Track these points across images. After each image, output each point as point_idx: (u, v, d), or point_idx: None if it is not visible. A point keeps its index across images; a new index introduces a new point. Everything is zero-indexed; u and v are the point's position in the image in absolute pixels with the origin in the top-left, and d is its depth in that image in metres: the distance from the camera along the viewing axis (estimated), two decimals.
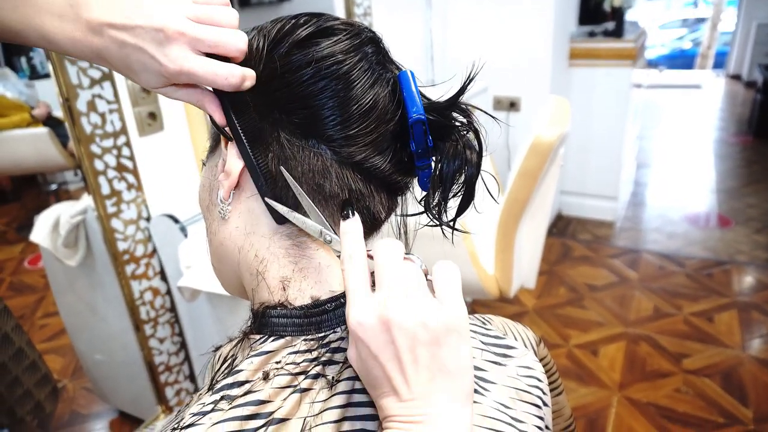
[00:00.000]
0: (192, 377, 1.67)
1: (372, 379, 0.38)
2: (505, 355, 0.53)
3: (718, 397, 1.90)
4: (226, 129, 0.43)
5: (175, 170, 1.52)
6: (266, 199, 0.43)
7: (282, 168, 0.42)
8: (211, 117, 0.43)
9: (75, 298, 1.70)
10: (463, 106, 0.45)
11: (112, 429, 1.86)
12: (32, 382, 1.50)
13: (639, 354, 2.14)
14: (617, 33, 3.00)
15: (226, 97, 0.42)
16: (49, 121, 2.61)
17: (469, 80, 0.45)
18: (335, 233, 0.43)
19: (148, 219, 1.43)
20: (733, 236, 3.07)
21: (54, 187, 3.02)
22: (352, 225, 0.41)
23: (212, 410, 0.39)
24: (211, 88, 0.43)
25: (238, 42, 0.41)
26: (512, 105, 2.84)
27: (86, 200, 1.49)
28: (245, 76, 0.40)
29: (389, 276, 0.38)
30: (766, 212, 3.35)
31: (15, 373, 1.45)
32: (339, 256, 0.45)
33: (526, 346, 0.58)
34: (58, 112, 2.64)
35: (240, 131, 0.42)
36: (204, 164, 0.51)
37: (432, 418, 0.36)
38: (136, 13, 0.39)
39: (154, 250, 1.47)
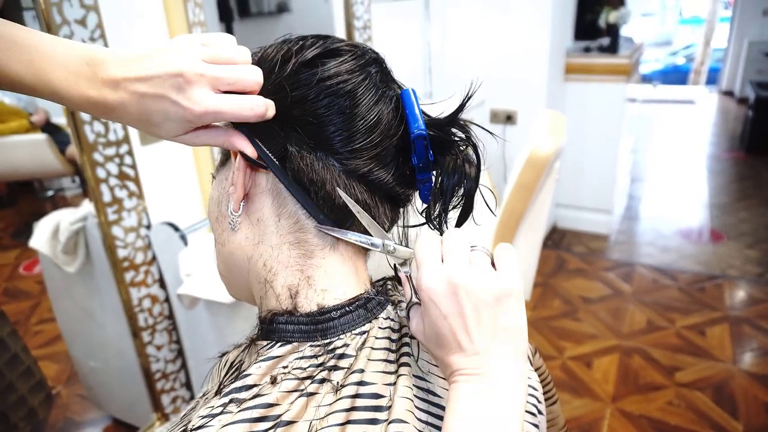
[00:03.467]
0: (188, 385, 1.67)
1: (441, 339, 0.42)
2: None
3: (710, 411, 1.91)
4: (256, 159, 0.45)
5: (176, 179, 1.53)
6: (323, 227, 0.46)
7: (339, 190, 0.45)
8: (242, 153, 0.44)
9: (72, 304, 1.70)
10: (462, 122, 0.48)
11: None
12: (26, 388, 1.50)
13: (632, 366, 2.16)
14: (612, 49, 3.05)
15: (249, 129, 0.44)
16: (48, 128, 2.62)
17: (468, 98, 0.47)
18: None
19: (148, 227, 1.44)
20: (725, 251, 3.10)
21: (51, 193, 3.02)
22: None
23: (221, 413, 0.40)
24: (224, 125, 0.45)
25: (256, 76, 0.42)
26: (509, 118, 2.87)
27: (86, 207, 1.50)
28: (268, 105, 0.42)
29: (457, 251, 0.42)
30: (758, 227, 3.39)
31: (9, 379, 1.45)
32: (394, 267, 0.49)
33: None
34: (57, 119, 2.65)
35: (271, 156, 0.44)
36: (214, 177, 0.53)
37: (493, 370, 0.40)
38: (152, 63, 0.40)
39: (154, 258, 1.48)
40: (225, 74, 0.41)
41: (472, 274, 0.41)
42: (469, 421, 0.38)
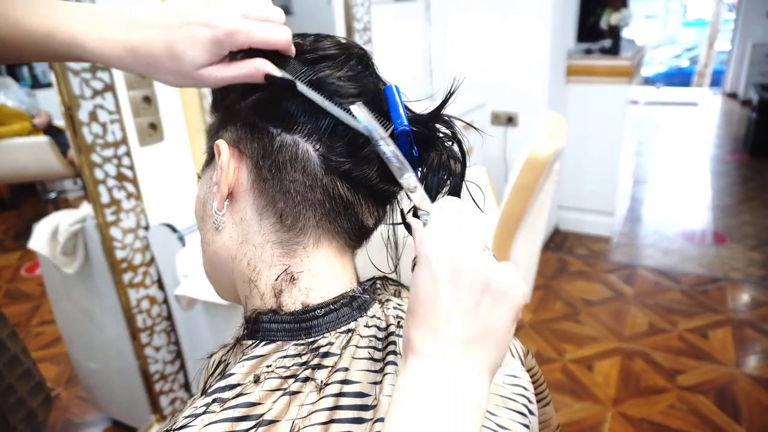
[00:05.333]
0: (187, 386, 1.67)
1: (418, 306, 0.37)
2: None
3: (712, 414, 1.90)
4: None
5: (175, 180, 1.53)
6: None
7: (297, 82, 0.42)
8: (268, 76, 0.43)
9: (72, 305, 1.71)
10: (446, 118, 0.47)
11: None
12: (26, 389, 1.50)
13: (633, 369, 2.15)
14: (614, 50, 3.04)
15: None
16: (50, 130, 2.64)
17: (450, 93, 0.47)
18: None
19: (146, 228, 1.45)
20: (728, 253, 3.08)
21: (53, 195, 3.04)
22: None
23: (204, 412, 0.40)
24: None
25: (286, 34, 0.42)
26: (510, 120, 2.87)
27: (85, 208, 1.50)
28: (291, 39, 0.43)
29: (479, 232, 0.38)
30: (761, 229, 3.37)
31: (9, 381, 1.45)
32: (403, 213, 0.46)
33: (513, 356, 0.59)
34: (59, 121, 2.66)
35: (294, 79, 0.43)
36: (199, 177, 0.52)
37: (460, 372, 0.35)
38: (181, 3, 0.41)
39: (152, 259, 1.48)
40: (256, 7, 0.41)
41: (489, 259, 0.36)
42: (413, 416, 0.34)
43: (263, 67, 0.42)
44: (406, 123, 0.44)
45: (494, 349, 0.36)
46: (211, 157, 0.50)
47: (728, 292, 2.67)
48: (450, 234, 0.37)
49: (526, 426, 0.51)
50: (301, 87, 0.42)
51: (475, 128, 0.49)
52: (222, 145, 0.46)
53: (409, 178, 0.41)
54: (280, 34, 0.42)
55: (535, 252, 1.86)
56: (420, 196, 0.42)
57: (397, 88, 0.46)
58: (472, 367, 0.35)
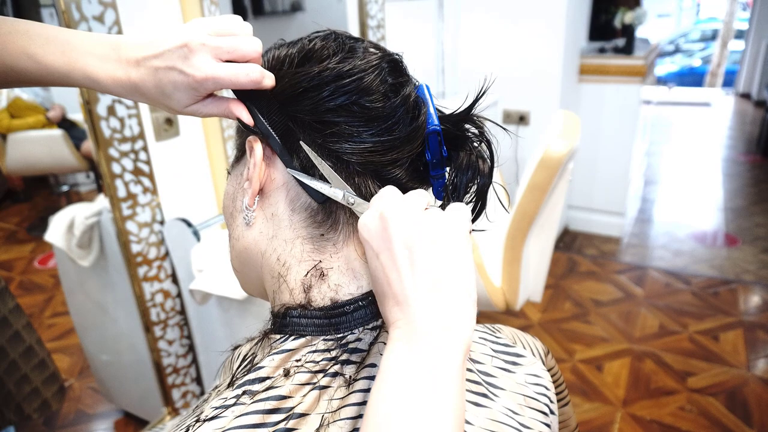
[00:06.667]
0: (199, 380, 1.69)
1: (376, 286, 0.40)
2: (514, 363, 0.54)
3: (722, 417, 1.89)
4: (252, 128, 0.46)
5: (190, 175, 1.54)
6: (289, 169, 0.45)
7: (302, 143, 0.45)
8: (239, 120, 0.46)
9: (86, 298, 1.72)
10: (476, 118, 0.48)
11: (117, 429, 1.87)
12: (40, 380, 1.52)
13: (643, 371, 2.14)
14: (627, 50, 3.02)
15: (252, 101, 0.46)
16: (63, 124, 2.66)
17: (482, 93, 0.47)
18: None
19: (161, 222, 1.46)
20: (740, 255, 3.06)
21: (65, 188, 3.07)
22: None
23: (234, 404, 0.40)
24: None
25: (254, 45, 0.45)
26: (521, 119, 2.86)
27: (101, 202, 1.52)
28: (264, 73, 0.44)
29: (406, 198, 0.41)
30: None
31: (24, 371, 1.47)
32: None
33: (534, 356, 0.59)
34: (73, 115, 2.68)
35: (267, 125, 0.45)
36: (229, 173, 0.53)
37: (425, 326, 0.36)
38: (163, 41, 0.44)
39: (167, 253, 1.49)
40: (224, 43, 0.44)
41: (408, 210, 0.39)
42: (391, 384, 0.35)
43: (233, 110, 0.46)
44: (436, 122, 0.44)
45: (449, 296, 0.37)
46: (241, 154, 0.51)
47: (740, 295, 2.65)
48: (375, 212, 0.40)
49: (547, 425, 0.52)
50: (268, 136, 0.45)
51: (504, 128, 0.50)
52: (255, 141, 0.47)
53: (344, 196, 0.44)
54: (244, 75, 0.44)
55: (547, 251, 1.86)
56: (359, 205, 0.44)
57: (428, 87, 0.47)
58: (443, 317, 0.36)
